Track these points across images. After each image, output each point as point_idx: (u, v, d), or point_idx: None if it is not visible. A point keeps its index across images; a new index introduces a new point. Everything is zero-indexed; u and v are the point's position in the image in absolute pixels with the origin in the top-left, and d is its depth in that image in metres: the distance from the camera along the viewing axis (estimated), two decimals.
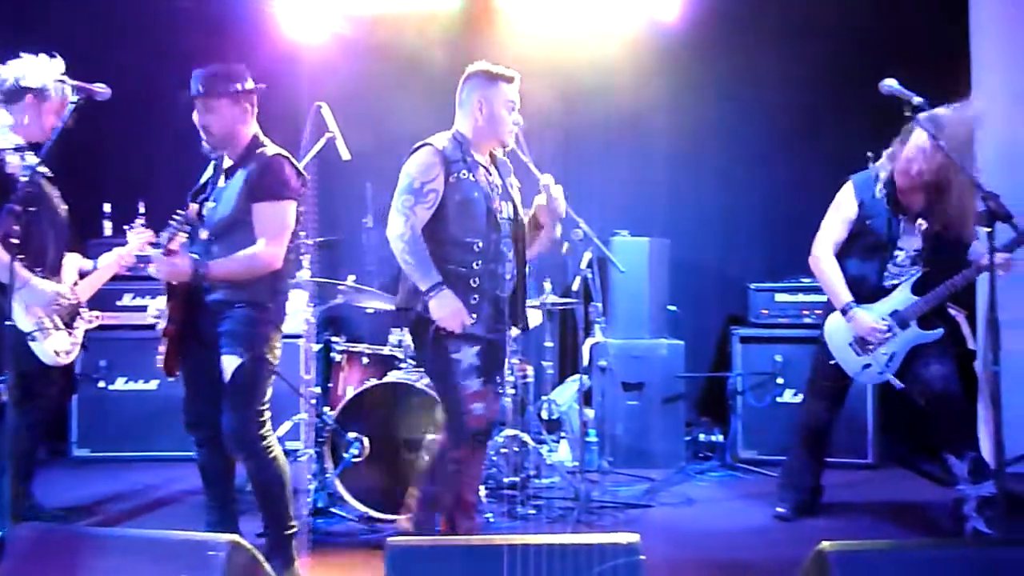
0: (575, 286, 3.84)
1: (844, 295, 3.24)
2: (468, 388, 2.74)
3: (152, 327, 2.83)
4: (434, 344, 2.75)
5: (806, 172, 4.99)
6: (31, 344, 3.06)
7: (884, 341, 3.20)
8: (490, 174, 2.88)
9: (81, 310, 3.35)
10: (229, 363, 2.69)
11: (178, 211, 2.66)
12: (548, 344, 4.21)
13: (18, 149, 3.05)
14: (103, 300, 4.87)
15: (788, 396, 4.43)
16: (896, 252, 3.23)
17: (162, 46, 4.89)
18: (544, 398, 4.25)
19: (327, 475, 3.51)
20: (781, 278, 4.63)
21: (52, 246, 3.18)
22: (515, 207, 2.91)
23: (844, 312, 3.23)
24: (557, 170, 3.68)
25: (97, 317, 3.47)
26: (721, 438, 4.52)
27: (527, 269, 2.94)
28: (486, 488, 3.67)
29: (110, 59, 4.50)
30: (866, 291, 3.26)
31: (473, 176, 2.78)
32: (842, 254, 3.32)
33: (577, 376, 4.38)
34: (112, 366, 4.73)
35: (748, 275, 4.77)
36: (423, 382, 3.55)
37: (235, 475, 2.92)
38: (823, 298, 4.43)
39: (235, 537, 1.82)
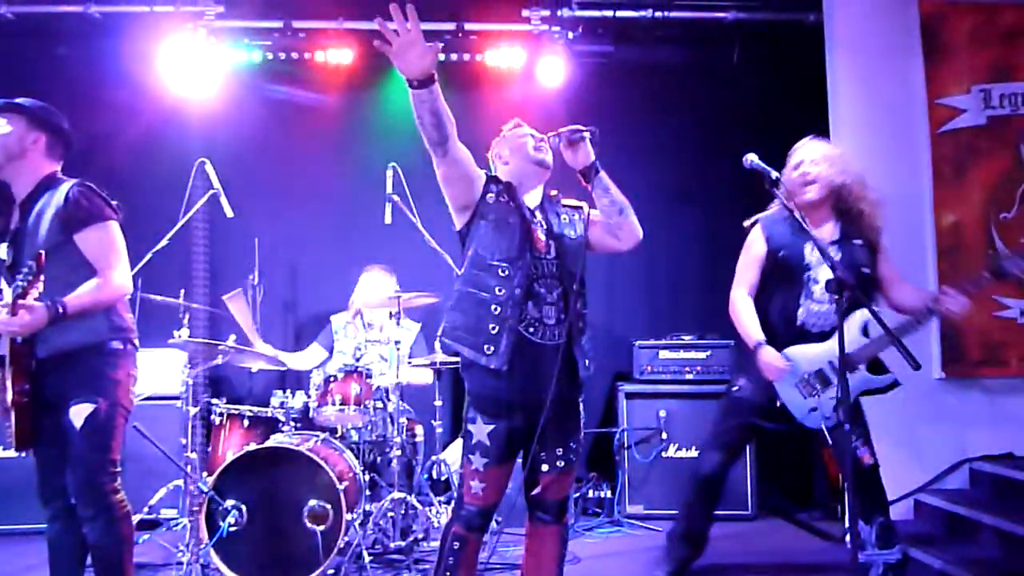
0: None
1: (755, 334, 3.14)
2: (471, 464, 2.55)
3: None
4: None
5: (683, 237, 5.30)
6: None
7: (830, 385, 3.06)
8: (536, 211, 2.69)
9: None
10: (80, 411, 2.56)
11: (24, 262, 2.48)
12: (438, 403, 4.18)
13: None
14: None
15: (672, 451, 4.57)
16: (813, 285, 3.11)
17: (48, 98, 4.74)
18: (434, 458, 4.21)
19: (201, 546, 3.34)
20: (664, 335, 4.82)
21: None
22: (565, 252, 2.65)
23: (755, 351, 3.11)
24: (438, 232, 3.74)
25: None
26: (609, 494, 4.59)
27: (581, 324, 2.63)
28: (370, 553, 3.59)
29: None
30: (788, 331, 3.14)
31: (514, 202, 2.63)
32: (763, 297, 3.24)
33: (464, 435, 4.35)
34: None
35: (633, 333, 4.93)
36: (306, 446, 3.47)
37: (85, 559, 2.74)
38: (703, 355, 4.70)
39: None
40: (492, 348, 2.50)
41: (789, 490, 4.91)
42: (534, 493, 2.66)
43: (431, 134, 2.43)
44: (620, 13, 5.09)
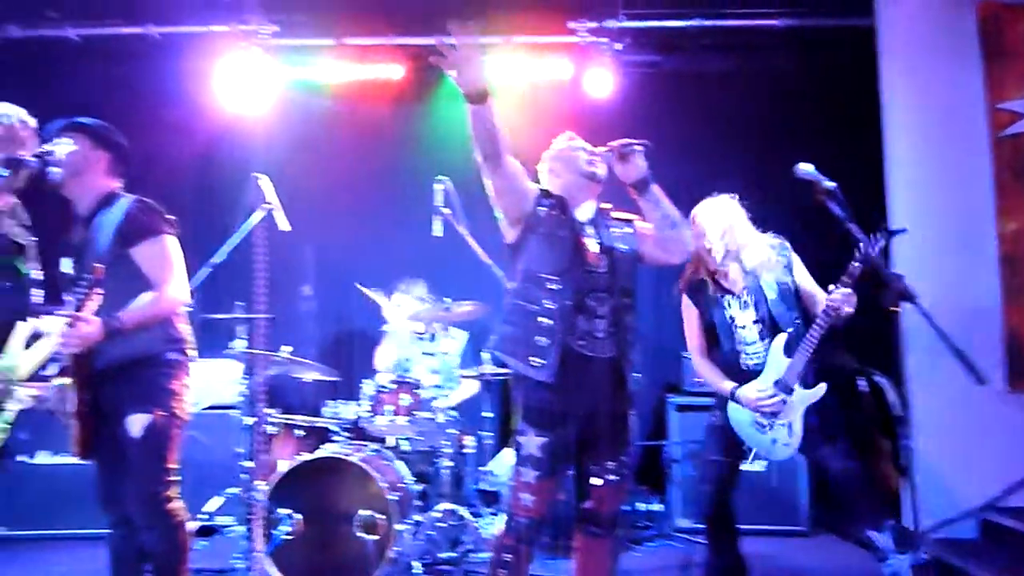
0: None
1: (726, 384, 3.18)
2: (521, 476, 2.57)
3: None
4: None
5: None
6: None
7: (779, 410, 3.10)
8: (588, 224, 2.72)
9: (13, 388, 2.96)
10: (136, 422, 2.62)
11: (84, 275, 2.54)
12: (487, 414, 4.20)
13: None
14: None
15: None
16: (739, 331, 3.18)
17: (108, 117, 4.92)
18: (482, 469, 4.22)
19: (257, 553, 3.41)
20: None
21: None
22: (616, 265, 2.67)
23: (733, 398, 3.16)
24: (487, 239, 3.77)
25: (35, 397, 3.08)
26: (659, 507, 4.54)
27: (631, 337, 2.64)
28: (422, 563, 3.61)
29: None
30: (741, 378, 3.19)
31: (565, 216, 2.66)
32: (713, 352, 3.31)
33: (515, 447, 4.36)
34: (35, 439, 4.54)
35: (682, 343, 4.86)
36: (357, 456, 3.51)
37: (144, 565, 2.79)
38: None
39: None
40: (542, 361, 2.51)
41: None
42: (585, 506, 2.66)
43: (485, 148, 2.46)
44: (667, 23, 5.08)
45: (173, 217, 2.82)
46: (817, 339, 3.01)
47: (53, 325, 2.91)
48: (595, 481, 2.62)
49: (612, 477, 2.61)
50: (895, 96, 4.38)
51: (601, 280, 2.61)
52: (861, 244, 2.82)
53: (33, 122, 2.87)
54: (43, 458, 4.53)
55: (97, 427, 2.65)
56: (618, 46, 5.11)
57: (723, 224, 3.18)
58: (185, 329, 2.85)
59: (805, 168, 2.78)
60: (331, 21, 5.13)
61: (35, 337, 2.98)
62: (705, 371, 3.29)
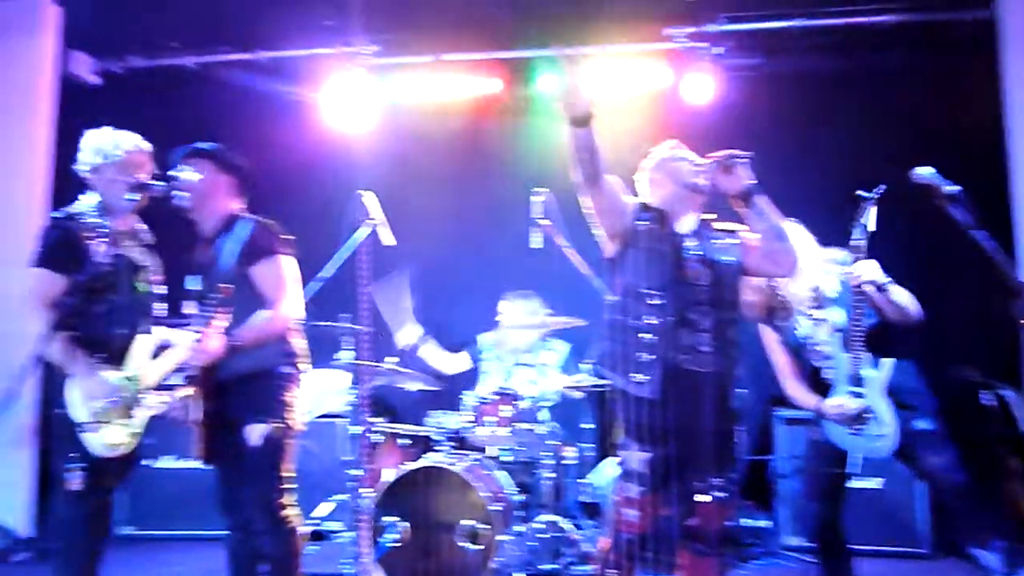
0: None
1: (811, 400, 3.10)
2: (625, 491, 2.60)
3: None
4: None
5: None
6: (84, 435, 2.81)
7: (865, 409, 2.97)
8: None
9: (141, 397, 2.98)
10: (254, 432, 2.73)
11: (210, 294, 2.68)
12: (588, 426, 4.18)
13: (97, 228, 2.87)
14: None
15: None
16: (815, 347, 3.09)
17: (223, 140, 5.19)
18: (583, 481, 4.20)
19: (364, 559, 3.50)
20: None
21: (119, 330, 2.92)
22: (720, 278, 2.65)
23: (820, 414, 3.06)
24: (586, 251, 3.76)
25: (161, 405, 3.09)
26: (766, 523, 4.40)
27: (735, 352, 2.64)
28: (524, 575, 3.62)
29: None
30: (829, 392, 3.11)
31: (666, 229, 2.66)
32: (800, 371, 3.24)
33: (617, 458, 4.32)
34: (160, 444, 4.82)
35: None
36: (460, 466, 3.56)
37: (260, 568, 2.89)
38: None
39: None
40: (645, 377, 2.50)
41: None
42: (690, 523, 2.61)
43: (585, 169, 2.47)
44: (768, 24, 4.94)
45: (290, 236, 2.94)
46: (861, 321, 2.91)
47: (179, 338, 2.97)
48: (700, 498, 2.57)
49: (718, 494, 2.56)
50: (1018, 92, 4.12)
51: (704, 293, 2.58)
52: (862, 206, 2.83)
53: (148, 147, 3.00)
54: (166, 462, 4.81)
55: (219, 435, 2.78)
56: (718, 50, 5.00)
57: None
58: (299, 343, 2.97)
59: (923, 172, 2.64)
60: (430, 39, 5.25)
61: (161, 349, 3.08)
62: (794, 390, 3.20)
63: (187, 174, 2.87)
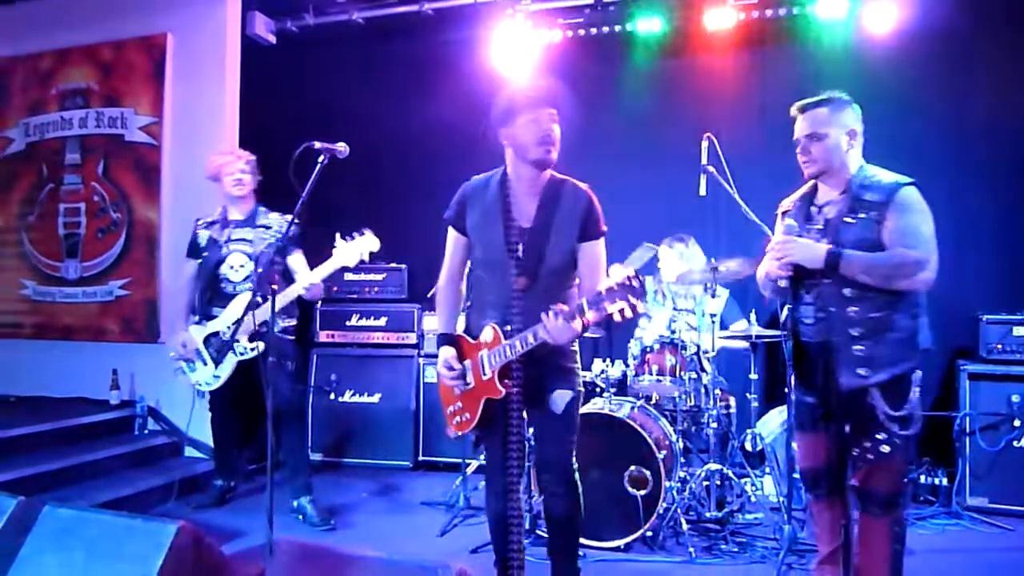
0: (783, 316, 3.73)
1: None
2: (797, 438, 2.85)
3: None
4: None
5: None
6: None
7: None
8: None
9: (236, 344, 3.84)
10: (562, 397, 2.64)
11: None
12: (753, 376, 4.11)
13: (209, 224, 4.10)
14: (333, 320, 5.45)
15: None
16: None
17: (393, 90, 5.36)
18: (748, 430, 4.16)
19: (532, 498, 3.67)
20: (1020, 308, 4.22)
21: (198, 296, 4.04)
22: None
23: None
24: (754, 202, 3.62)
25: (253, 349, 3.85)
26: (945, 481, 4.18)
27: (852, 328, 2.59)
28: (687, 521, 3.67)
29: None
30: None
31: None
32: None
33: (783, 407, 4.24)
34: (341, 380, 5.25)
35: (979, 305, 4.38)
36: (623, 412, 3.62)
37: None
38: None
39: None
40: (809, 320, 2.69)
41: None
42: (853, 483, 2.64)
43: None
44: None
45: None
46: None
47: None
48: (856, 456, 2.62)
49: (870, 456, 2.58)
50: None
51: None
52: None
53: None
54: (348, 396, 5.23)
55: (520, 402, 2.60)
56: None
57: None
58: None
59: None
60: None
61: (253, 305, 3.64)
62: None
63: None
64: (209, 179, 4.10)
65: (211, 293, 4.01)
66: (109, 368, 5.06)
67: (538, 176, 2.62)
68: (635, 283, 2.21)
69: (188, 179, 5.05)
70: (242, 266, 3.98)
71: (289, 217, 3.57)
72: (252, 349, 3.85)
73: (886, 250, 2.53)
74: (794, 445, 2.89)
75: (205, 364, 3.97)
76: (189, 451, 4.95)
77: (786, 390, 2.84)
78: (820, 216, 2.68)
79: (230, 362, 3.90)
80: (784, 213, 2.87)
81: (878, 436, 2.55)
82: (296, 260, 4.01)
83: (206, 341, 3.97)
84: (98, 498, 3.88)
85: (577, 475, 2.71)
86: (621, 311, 2.22)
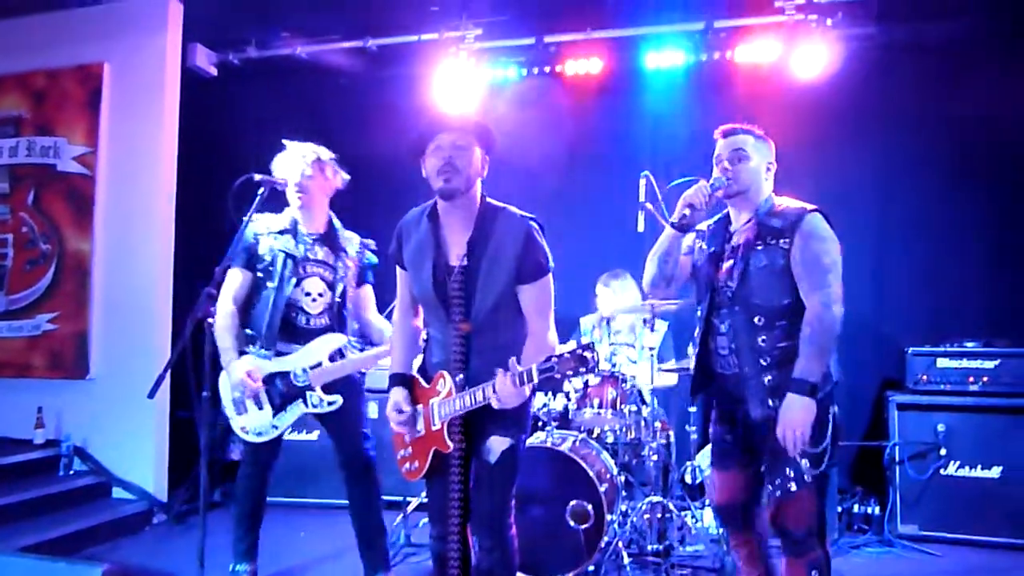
0: (690, 350, 3.81)
1: None
2: (712, 473, 2.77)
3: None
4: None
5: (966, 223, 4.78)
6: (230, 418, 3.32)
7: None
8: None
9: (309, 393, 3.22)
10: (499, 444, 2.45)
11: None
12: (692, 409, 4.18)
13: (279, 232, 3.28)
14: None
15: (953, 468, 4.17)
16: None
17: (332, 125, 5.35)
18: (688, 463, 4.22)
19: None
20: (942, 340, 4.41)
21: (268, 323, 3.20)
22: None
23: None
24: None
25: (331, 403, 3.24)
26: (877, 510, 4.29)
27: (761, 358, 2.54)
28: (629, 555, 3.68)
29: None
30: None
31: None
32: None
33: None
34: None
35: (906, 338, 4.55)
36: (566, 445, 3.63)
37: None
38: (991, 364, 4.22)
39: None
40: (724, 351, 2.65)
41: None
42: (768, 518, 2.53)
43: (661, 272, 2.77)
44: None
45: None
46: None
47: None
48: (769, 490, 2.50)
49: (777, 493, 2.44)
50: None
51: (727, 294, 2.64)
52: None
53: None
54: (288, 435, 5.08)
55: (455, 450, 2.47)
56: (830, 21, 4.79)
57: None
58: None
59: None
60: (530, 20, 5.26)
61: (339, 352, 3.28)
62: None
63: None
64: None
65: (280, 323, 3.25)
66: (34, 406, 4.86)
67: (465, 206, 2.45)
68: (588, 355, 2.14)
69: (123, 210, 4.95)
70: (320, 295, 3.28)
71: (369, 241, 3.41)
72: (330, 404, 3.22)
73: (794, 276, 2.49)
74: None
75: (260, 408, 3.23)
76: (118, 492, 4.77)
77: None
78: (731, 243, 2.66)
79: (295, 412, 3.25)
80: (696, 228, 2.76)
81: (787, 472, 2.43)
82: (366, 294, 3.46)
83: (267, 380, 3.24)
84: (22, 541, 3.71)
85: (512, 530, 2.52)
86: (570, 379, 2.23)
